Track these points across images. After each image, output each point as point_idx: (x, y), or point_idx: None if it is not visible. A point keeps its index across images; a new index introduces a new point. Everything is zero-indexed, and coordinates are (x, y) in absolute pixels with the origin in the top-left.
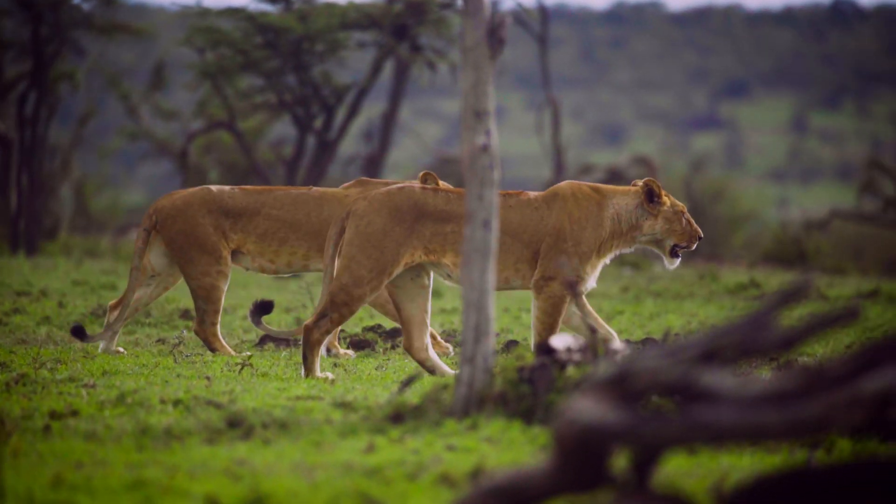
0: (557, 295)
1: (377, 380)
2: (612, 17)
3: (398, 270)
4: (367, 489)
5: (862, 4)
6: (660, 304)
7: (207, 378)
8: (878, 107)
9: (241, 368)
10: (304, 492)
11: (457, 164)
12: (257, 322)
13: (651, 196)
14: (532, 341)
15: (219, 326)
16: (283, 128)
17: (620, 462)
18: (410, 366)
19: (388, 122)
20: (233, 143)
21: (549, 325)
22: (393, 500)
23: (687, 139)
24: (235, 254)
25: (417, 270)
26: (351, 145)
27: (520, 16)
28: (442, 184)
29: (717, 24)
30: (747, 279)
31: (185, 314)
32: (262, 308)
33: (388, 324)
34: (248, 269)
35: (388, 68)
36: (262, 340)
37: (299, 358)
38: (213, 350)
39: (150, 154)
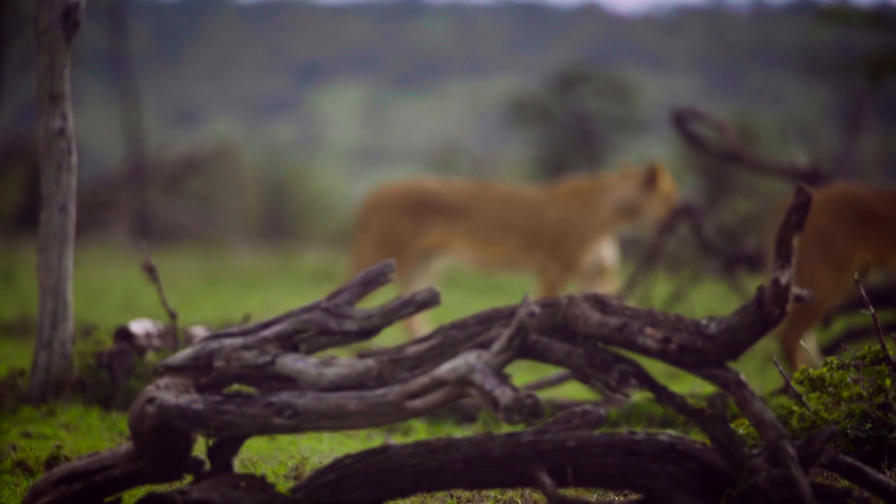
0: None
1: None
2: (187, 5)
3: (849, 271)
4: None
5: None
6: (239, 287)
7: None
8: (452, 92)
9: None
10: None
11: (33, 149)
12: None
13: None
14: None
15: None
16: None
17: (201, 448)
18: None
19: None
20: None
21: None
22: None
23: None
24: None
25: None
26: None
27: None
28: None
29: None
30: (325, 264)
31: None
32: None
33: None
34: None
35: None
36: None
37: None
38: None
39: None
